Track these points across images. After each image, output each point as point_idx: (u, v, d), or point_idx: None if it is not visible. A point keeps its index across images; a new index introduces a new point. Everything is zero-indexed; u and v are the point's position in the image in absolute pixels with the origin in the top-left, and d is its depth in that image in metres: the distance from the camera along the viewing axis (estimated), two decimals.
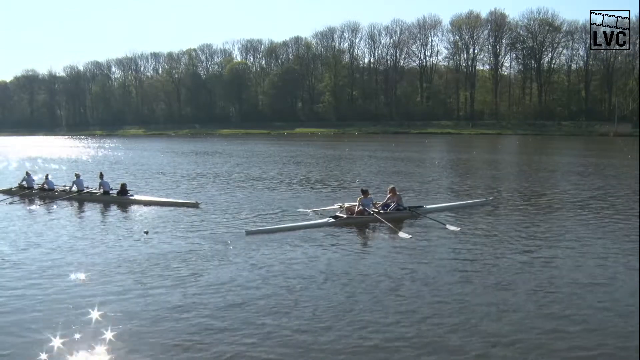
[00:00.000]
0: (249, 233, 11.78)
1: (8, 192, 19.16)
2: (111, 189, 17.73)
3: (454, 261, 9.54)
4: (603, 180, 22.48)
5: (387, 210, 13.46)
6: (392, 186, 14.47)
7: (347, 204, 14.10)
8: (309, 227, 12.37)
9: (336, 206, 14.26)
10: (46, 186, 18.70)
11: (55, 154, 48.49)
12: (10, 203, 17.30)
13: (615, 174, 25.54)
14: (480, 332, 6.38)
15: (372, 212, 13.05)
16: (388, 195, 14.04)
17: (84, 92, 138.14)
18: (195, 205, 15.52)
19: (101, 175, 18.49)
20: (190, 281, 8.46)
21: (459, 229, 11.88)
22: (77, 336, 6.37)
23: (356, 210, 13.18)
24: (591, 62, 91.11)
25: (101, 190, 17.62)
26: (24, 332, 6.57)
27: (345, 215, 13.06)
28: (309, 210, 14.57)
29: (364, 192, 13.57)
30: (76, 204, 16.89)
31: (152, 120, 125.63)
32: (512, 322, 6.65)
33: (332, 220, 12.83)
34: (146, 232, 12.16)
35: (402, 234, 11.42)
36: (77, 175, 18.78)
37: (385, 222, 12.37)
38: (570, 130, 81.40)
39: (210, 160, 37.11)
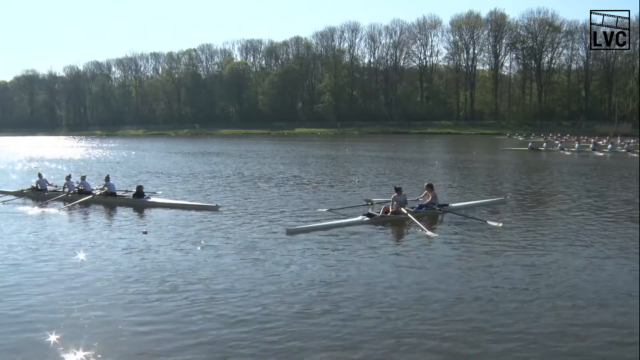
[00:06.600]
0: (289, 232, 11.67)
1: (19, 193, 18.41)
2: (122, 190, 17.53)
3: (490, 257, 9.63)
4: (604, 178, 22.59)
5: (419, 208, 13.51)
6: (429, 183, 14.41)
7: (375, 200, 14.25)
8: (346, 225, 12.40)
9: (364, 204, 14.50)
10: (67, 188, 17.85)
11: (64, 155, 48.33)
12: (28, 205, 16.74)
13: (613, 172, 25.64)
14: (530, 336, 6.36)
15: (405, 211, 13.03)
16: (424, 192, 14.05)
17: (84, 92, 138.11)
18: (215, 209, 15.02)
19: (107, 178, 18.04)
20: (235, 290, 8.01)
21: (500, 224, 12.05)
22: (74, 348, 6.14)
23: (391, 208, 13.15)
24: (591, 62, 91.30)
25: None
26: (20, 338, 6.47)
27: (379, 213, 13.07)
28: (325, 210, 14.57)
29: (398, 190, 13.52)
30: (92, 207, 16.31)
31: (152, 120, 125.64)
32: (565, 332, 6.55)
33: (367, 218, 12.82)
34: (145, 232, 12.08)
35: (435, 232, 11.52)
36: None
37: (417, 220, 12.32)
38: (570, 130, 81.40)
39: (217, 160, 36.85)
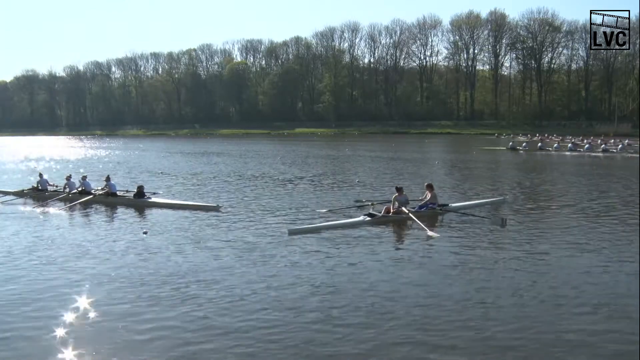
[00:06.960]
0: (291, 232, 11.66)
1: (20, 193, 18.33)
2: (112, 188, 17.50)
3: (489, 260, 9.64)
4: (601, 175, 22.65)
5: (419, 208, 13.54)
6: (430, 183, 14.46)
7: (377, 202, 14.34)
8: (348, 225, 12.41)
9: (366, 204, 14.58)
10: (67, 188, 17.82)
11: (65, 155, 48.13)
12: (30, 205, 16.63)
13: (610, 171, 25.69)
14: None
15: (407, 211, 13.04)
16: (425, 192, 14.08)
17: (84, 92, 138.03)
18: (216, 209, 15.00)
19: (108, 178, 18.02)
20: (239, 293, 7.94)
21: (505, 220, 12.14)
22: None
23: (392, 208, 13.16)
24: (591, 62, 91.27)
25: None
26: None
27: (380, 214, 13.07)
28: (325, 210, 14.55)
29: (399, 190, 13.55)
30: (93, 207, 16.23)
31: (152, 120, 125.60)
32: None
33: (369, 218, 12.82)
34: (145, 233, 12.06)
35: (437, 232, 11.52)
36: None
37: (418, 220, 12.35)
38: (570, 131, 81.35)
39: (217, 160, 36.75)
